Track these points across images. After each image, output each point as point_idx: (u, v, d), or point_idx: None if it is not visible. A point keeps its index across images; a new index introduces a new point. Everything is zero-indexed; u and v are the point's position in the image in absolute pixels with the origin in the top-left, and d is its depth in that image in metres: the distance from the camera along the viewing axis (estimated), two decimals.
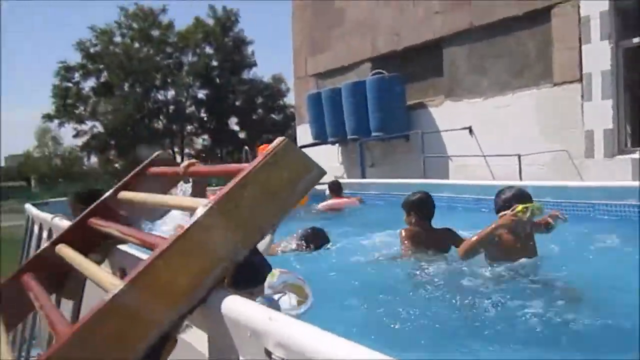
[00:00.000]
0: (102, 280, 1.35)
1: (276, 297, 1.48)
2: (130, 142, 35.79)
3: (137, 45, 37.77)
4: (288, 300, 1.53)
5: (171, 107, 38.63)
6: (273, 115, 41.11)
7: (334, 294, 2.77)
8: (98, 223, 1.88)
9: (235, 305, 1.11)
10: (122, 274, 1.74)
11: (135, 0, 37.19)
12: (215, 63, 39.29)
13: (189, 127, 40.21)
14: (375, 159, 9.97)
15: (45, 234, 3.67)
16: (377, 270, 3.41)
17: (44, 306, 1.46)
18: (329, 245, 3.96)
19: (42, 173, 42.72)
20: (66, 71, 37.03)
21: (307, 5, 11.95)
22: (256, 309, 1.04)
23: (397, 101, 9.08)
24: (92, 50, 37.11)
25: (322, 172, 1.38)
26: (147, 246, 1.36)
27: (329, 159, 10.22)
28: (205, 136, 40.96)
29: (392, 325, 2.45)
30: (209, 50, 39.32)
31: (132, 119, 36.08)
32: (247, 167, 1.30)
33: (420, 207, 3.55)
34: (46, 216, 3.59)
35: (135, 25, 37.50)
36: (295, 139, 12.46)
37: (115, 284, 1.25)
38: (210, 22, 38.53)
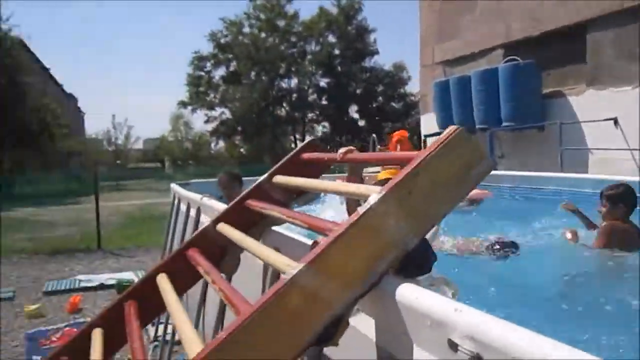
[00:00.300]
0: (272, 259, 1.42)
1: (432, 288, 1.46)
2: (255, 129, 37.44)
3: (263, 35, 39.22)
4: (443, 292, 1.50)
5: (294, 95, 39.73)
6: (393, 104, 40.80)
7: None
8: (257, 205, 1.98)
9: (411, 293, 1.11)
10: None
11: None
12: (337, 52, 39.74)
13: (310, 115, 41.16)
14: (505, 150, 9.52)
15: (193, 212, 3.94)
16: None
17: (216, 281, 1.56)
18: (518, 252, 3.68)
19: (174, 156, 45.98)
20: (199, 61, 39.49)
21: None
22: (439, 299, 1.03)
23: (532, 90, 8.58)
24: (222, 40, 39.17)
25: (493, 164, 1.34)
26: (316, 229, 1.39)
27: None
28: (326, 123, 41.68)
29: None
30: (331, 39, 39.85)
31: (258, 106, 37.63)
32: (419, 154, 1.29)
33: (630, 199, 3.29)
34: (195, 196, 3.84)
35: (262, 16, 38.92)
36: (419, 127, 12.26)
37: (290, 265, 1.30)
38: (334, 11, 38.95)
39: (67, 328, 5.19)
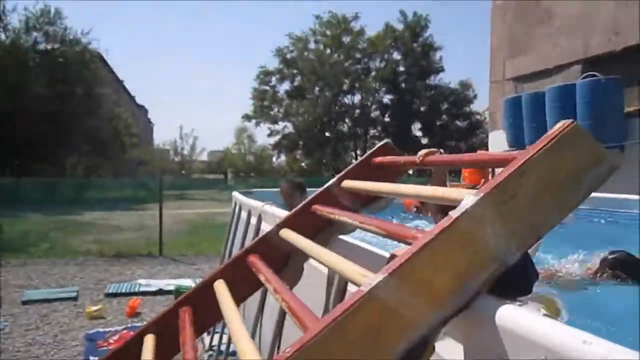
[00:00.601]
0: (344, 269, 1.24)
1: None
2: (317, 143, 37.60)
3: (328, 51, 39.53)
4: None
5: (357, 111, 39.70)
6: (457, 122, 39.99)
7: None
8: (325, 210, 1.82)
9: (520, 319, 0.90)
10: None
11: (330, 8, 38.96)
12: (402, 68, 39.47)
13: (372, 131, 40.98)
14: None
15: (254, 220, 3.83)
16: None
17: (278, 290, 1.40)
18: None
19: (237, 168, 46.86)
20: (265, 75, 40.22)
21: (509, 5, 11.24)
22: (559, 328, 0.82)
23: (613, 108, 8.03)
24: (288, 56, 39.77)
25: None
26: (397, 237, 1.21)
27: None
28: (388, 140, 41.28)
29: None
30: (396, 55, 39.69)
31: (320, 121, 37.86)
32: (523, 153, 1.09)
33: None
34: (257, 203, 3.74)
35: (328, 32, 39.28)
36: (484, 146, 11.80)
37: (366, 275, 1.12)
38: (400, 27, 38.79)
39: (124, 331, 5.20)
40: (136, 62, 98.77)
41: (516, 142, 9.82)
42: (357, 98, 40.06)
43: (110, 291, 6.79)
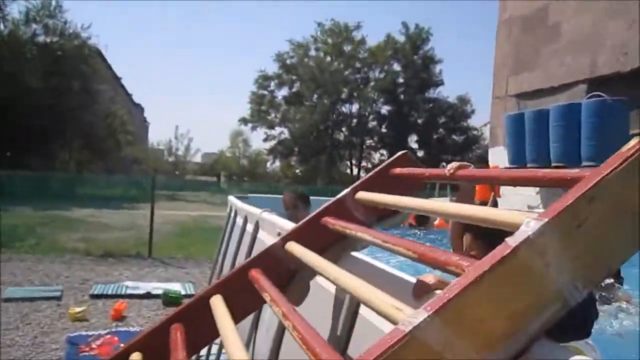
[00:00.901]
0: (370, 298, 1.07)
1: None
2: (312, 151, 37.47)
3: (329, 59, 39.48)
4: None
5: (354, 120, 39.62)
6: (454, 136, 39.99)
7: None
8: (338, 224, 1.64)
9: None
10: None
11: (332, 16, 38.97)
12: (401, 80, 39.46)
13: (368, 141, 40.89)
14: None
15: (250, 227, 3.66)
16: None
17: (287, 315, 1.22)
18: None
19: (231, 171, 46.65)
20: (264, 80, 40.10)
21: (515, 20, 11.16)
22: None
23: (619, 129, 7.89)
24: (288, 61, 39.70)
25: None
26: (435, 264, 1.03)
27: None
28: (384, 151, 41.24)
29: None
30: (396, 67, 39.68)
31: (317, 128, 37.75)
32: (594, 173, 0.92)
33: None
34: (254, 210, 3.57)
35: (329, 40, 39.25)
36: (480, 161, 11.67)
37: (398, 308, 0.95)
38: (402, 38, 38.83)
39: (108, 336, 4.99)
40: (134, 60, 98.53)
41: (517, 159, 9.69)
42: (355, 107, 40.05)
43: (95, 292, 6.57)
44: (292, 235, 1.76)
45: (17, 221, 12.83)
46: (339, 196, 1.82)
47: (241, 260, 3.59)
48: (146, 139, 53.57)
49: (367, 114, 39.94)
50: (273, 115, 40.88)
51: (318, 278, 1.72)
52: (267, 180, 41.11)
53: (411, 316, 0.83)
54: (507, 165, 9.94)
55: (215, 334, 1.51)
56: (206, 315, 1.58)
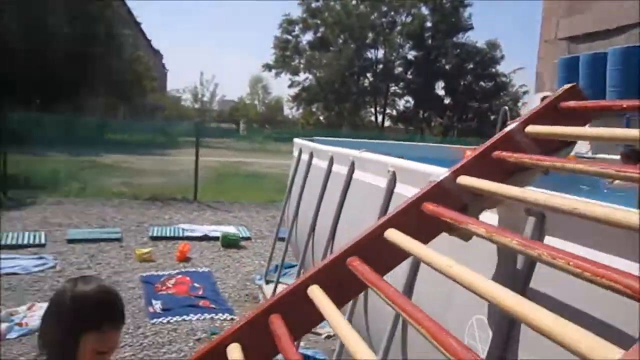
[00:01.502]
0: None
1: None
2: (337, 97, 37.01)
3: (354, 2, 38.37)
4: None
5: (380, 66, 38.85)
6: (482, 83, 39.07)
7: None
8: (512, 156, 1.57)
9: None
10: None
11: None
12: (429, 24, 38.34)
13: (393, 87, 40.18)
14: None
15: (340, 168, 3.58)
16: None
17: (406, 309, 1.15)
18: None
19: (250, 118, 46.47)
20: (288, 24, 39.25)
21: None
22: None
23: None
24: (313, 5, 38.68)
25: None
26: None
27: None
28: (409, 98, 40.59)
29: None
30: (424, 10, 38.45)
31: (342, 74, 37.11)
32: None
33: None
34: (349, 151, 3.47)
35: None
36: (509, 110, 11.38)
37: None
38: None
39: (179, 276, 5.07)
40: (151, 4, 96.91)
41: None
42: (380, 52, 39.15)
43: (154, 234, 6.66)
44: (464, 169, 1.69)
45: (57, 166, 12.97)
46: (506, 129, 1.73)
47: (330, 201, 3.52)
48: (165, 86, 53.44)
49: (393, 59, 39.10)
50: (297, 61, 40.25)
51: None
52: (287, 127, 40.97)
53: None
54: None
55: (317, 320, 1.46)
56: (306, 303, 1.49)
